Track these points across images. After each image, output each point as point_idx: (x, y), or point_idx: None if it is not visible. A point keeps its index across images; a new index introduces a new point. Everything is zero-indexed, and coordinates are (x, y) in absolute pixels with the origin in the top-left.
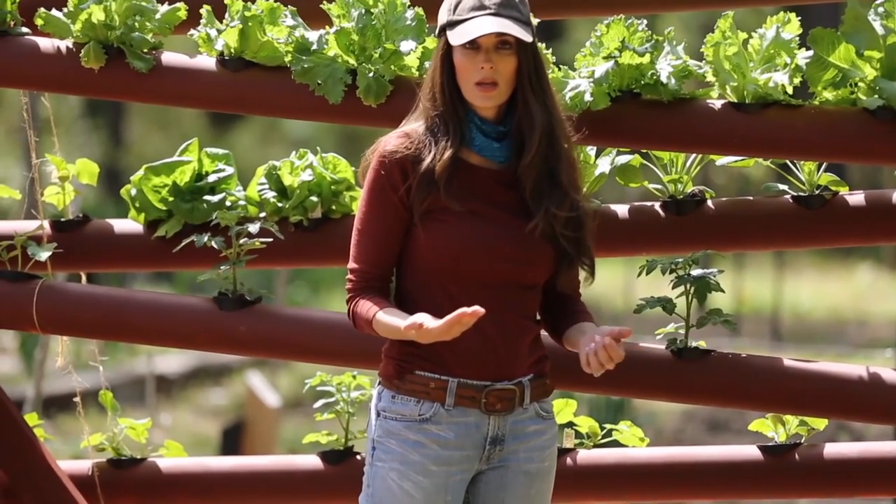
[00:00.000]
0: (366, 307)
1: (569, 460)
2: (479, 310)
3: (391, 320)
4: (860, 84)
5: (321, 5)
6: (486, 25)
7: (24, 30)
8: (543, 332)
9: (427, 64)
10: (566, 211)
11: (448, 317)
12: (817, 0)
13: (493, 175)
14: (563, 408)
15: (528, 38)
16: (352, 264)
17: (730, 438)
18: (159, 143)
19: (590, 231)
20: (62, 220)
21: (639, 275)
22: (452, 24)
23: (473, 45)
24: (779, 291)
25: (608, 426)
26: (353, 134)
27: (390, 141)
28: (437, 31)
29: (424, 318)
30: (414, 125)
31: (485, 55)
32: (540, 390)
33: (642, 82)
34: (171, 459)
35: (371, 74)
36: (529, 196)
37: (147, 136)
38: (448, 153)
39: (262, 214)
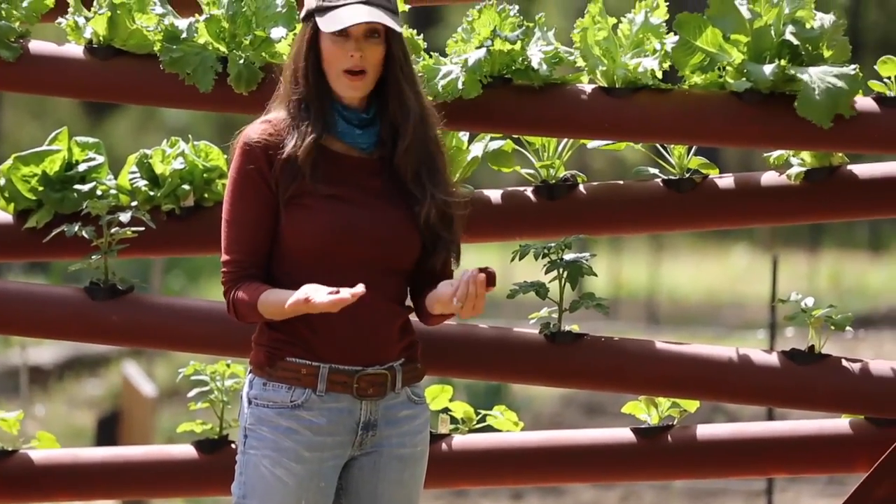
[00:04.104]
0: (248, 291)
1: (443, 445)
2: (360, 291)
3: (276, 298)
4: (728, 68)
5: None
6: (359, 14)
7: None
8: (414, 318)
9: None
10: (447, 195)
11: (333, 297)
12: None
13: (357, 162)
14: (439, 394)
15: (399, 27)
16: (225, 256)
17: (607, 422)
18: (34, 132)
19: (460, 215)
20: None
21: (511, 260)
22: (322, 11)
23: (343, 34)
24: (655, 275)
25: (483, 412)
26: (231, 122)
27: (253, 129)
28: (302, 15)
29: (310, 292)
30: (275, 113)
31: (354, 43)
32: (411, 375)
33: (513, 68)
34: (43, 451)
35: (242, 62)
36: (412, 182)
37: (21, 125)
38: (310, 138)
39: (134, 203)
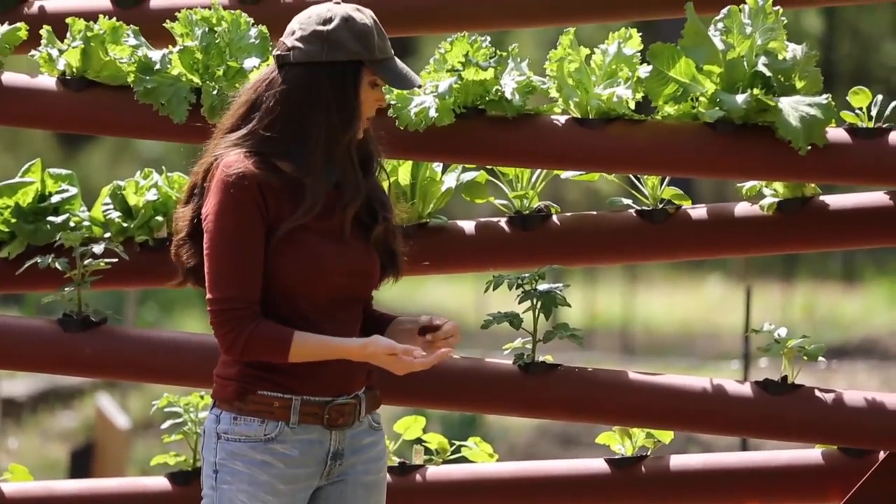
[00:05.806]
0: (276, 330)
1: (417, 477)
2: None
3: (330, 340)
4: (701, 98)
5: (164, 24)
6: (413, 73)
7: None
8: None
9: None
10: (393, 217)
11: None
12: (662, 16)
13: (329, 194)
14: (412, 424)
15: None
16: (231, 291)
17: (582, 452)
18: (8, 164)
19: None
20: None
21: (485, 290)
22: (378, 62)
23: (379, 83)
24: (630, 305)
25: (457, 443)
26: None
27: (241, 162)
28: (327, 58)
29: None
30: (248, 145)
31: (382, 91)
32: (373, 402)
33: (487, 98)
34: (16, 484)
35: (215, 93)
36: (366, 209)
37: None
38: (323, 188)
39: (107, 235)
